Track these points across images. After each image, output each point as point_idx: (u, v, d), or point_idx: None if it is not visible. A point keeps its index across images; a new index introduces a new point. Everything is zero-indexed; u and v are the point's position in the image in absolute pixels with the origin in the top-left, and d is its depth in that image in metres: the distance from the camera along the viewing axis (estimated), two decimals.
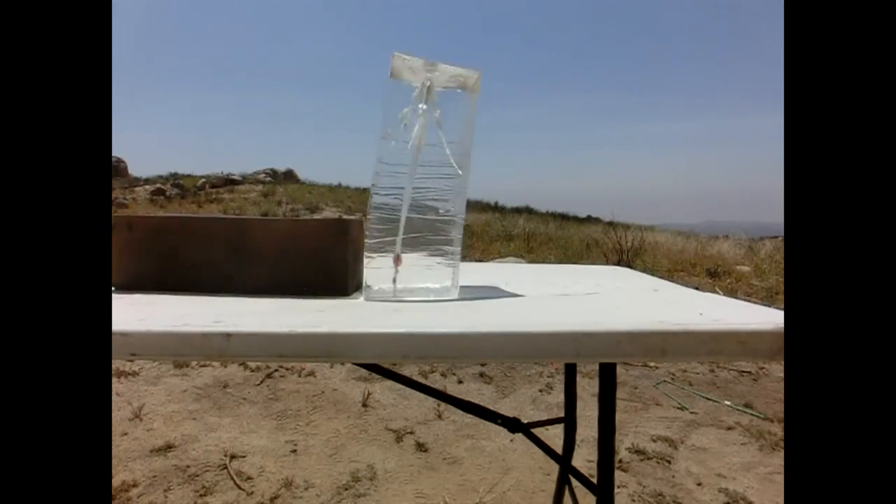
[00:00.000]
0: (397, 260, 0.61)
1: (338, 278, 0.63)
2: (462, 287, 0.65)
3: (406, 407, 2.28)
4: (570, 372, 1.09)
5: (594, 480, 0.73)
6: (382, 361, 0.62)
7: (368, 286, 0.61)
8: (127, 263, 0.63)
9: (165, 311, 0.52)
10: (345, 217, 0.66)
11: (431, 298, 0.62)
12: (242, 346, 0.44)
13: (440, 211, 0.63)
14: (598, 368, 0.71)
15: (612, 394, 0.71)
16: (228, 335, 0.43)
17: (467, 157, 0.64)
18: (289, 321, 0.47)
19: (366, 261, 0.61)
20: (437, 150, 0.62)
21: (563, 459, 1.04)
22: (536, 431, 0.91)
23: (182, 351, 0.44)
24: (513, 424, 0.87)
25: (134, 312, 0.51)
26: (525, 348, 0.45)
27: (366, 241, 0.61)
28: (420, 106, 0.61)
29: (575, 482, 0.99)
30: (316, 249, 0.63)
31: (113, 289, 0.64)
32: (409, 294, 0.62)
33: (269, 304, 0.57)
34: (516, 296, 0.66)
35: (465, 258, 0.65)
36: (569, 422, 1.07)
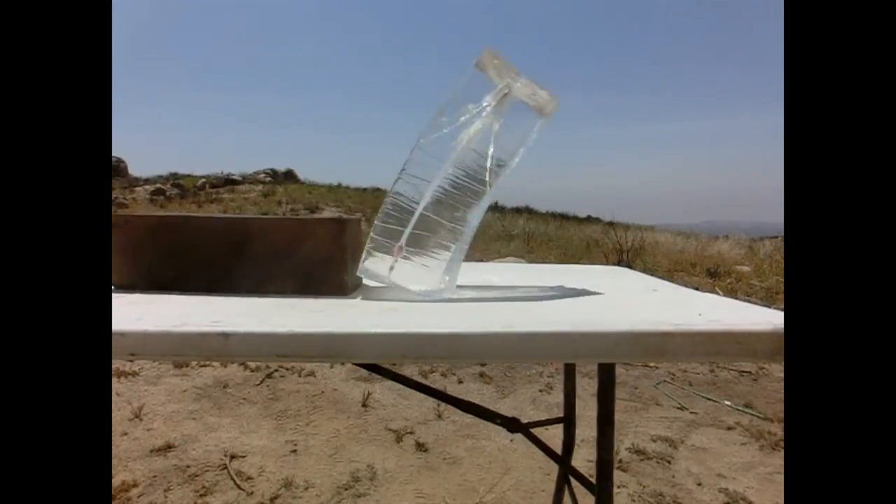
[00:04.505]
0: (398, 250, 0.60)
1: (337, 277, 0.63)
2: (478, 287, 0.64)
3: (406, 407, 2.27)
4: (570, 372, 1.09)
5: (594, 480, 0.73)
6: (381, 361, 0.62)
7: (365, 267, 0.61)
8: (126, 263, 0.63)
9: (164, 311, 0.52)
10: (344, 217, 0.66)
11: (418, 294, 0.62)
12: (241, 345, 0.44)
13: (456, 216, 0.61)
14: (597, 368, 0.71)
15: (610, 394, 0.71)
16: (226, 335, 0.43)
17: (500, 176, 0.62)
18: (287, 321, 0.47)
19: (369, 241, 0.61)
20: (478, 160, 0.61)
21: (563, 459, 1.04)
22: (536, 431, 0.91)
23: (180, 351, 0.44)
24: (512, 424, 0.87)
25: (132, 312, 0.51)
26: (523, 348, 0.45)
27: (375, 222, 0.61)
28: (486, 107, 0.59)
29: (575, 482, 0.99)
30: (315, 249, 0.63)
31: (112, 288, 0.64)
32: (401, 285, 0.62)
33: (268, 303, 0.57)
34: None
35: (464, 258, 0.65)
36: (568, 421, 1.07)
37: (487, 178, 0.61)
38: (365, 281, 0.73)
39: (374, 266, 0.61)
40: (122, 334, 0.43)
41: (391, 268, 0.61)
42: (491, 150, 0.60)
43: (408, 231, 0.60)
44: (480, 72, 0.60)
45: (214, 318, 0.48)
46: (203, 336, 0.44)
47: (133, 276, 0.64)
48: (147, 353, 0.44)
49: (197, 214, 0.67)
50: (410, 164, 0.60)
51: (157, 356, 0.45)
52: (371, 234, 0.61)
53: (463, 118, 0.59)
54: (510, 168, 0.62)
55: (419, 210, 0.60)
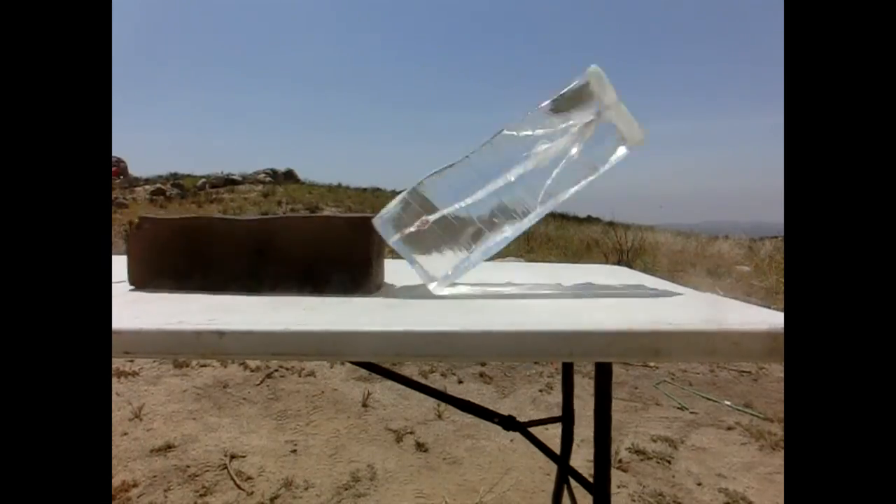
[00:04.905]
0: (424, 222, 0.59)
1: (363, 277, 0.62)
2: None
3: (406, 407, 2.28)
4: (568, 371, 1.09)
5: (592, 480, 0.73)
6: (378, 360, 0.62)
7: (383, 220, 0.60)
8: (152, 263, 0.64)
9: (161, 309, 0.52)
10: (369, 215, 0.66)
11: (417, 275, 0.61)
12: (235, 343, 0.43)
13: (494, 222, 0.60)
14: (594, 366, 0.71)
15: (607, 393, 0.71)
16: (221, 333, 0.43)
17: (554, 203, 0.61)
18: (283, 319, 0.47)
19: (402, 202, 0.59)
20: (540, 177, 0.59)
21: (561, 459, 1.04)
22: (536, 431, 0.91)
23: (175, 349, 0.44)
24: (509, 423, 0.87)
25: (131, 310, 0.51)
26: (518, 347, 0.45)
27: (420, 191, 0.59)
28: (572, 128, 0.58)
29: (575, 483, 0.99)
30: (341, 247, 0.62)
31: (133, 287, 0.64)
32: (405, 253, 0.60)
33: (269, 301, 0.57)
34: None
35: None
36: (566, 421, 1.07)
37: (538, 199, 0.59)
38: (386, 280, 0.73)
39: (392, 224, 0.60)
40: (118, 332, 0.43)
41: (408, 230, 0.59)
42: (556, 171, 0.59)
43: (443, 212, 0.59)
44: (582, 87, 0.58)
45: (211, 315, 0.48)
46: (198, 334, 0.43)
47: (160, 276, 0.64)
48: (142, 352, 0.44)
49: (223, 216, 0.67)
50: (480, 156, 0.58)
51: (152, 354, 0.45)
52: (406, 196, 0.59)
53: (542, 131, 0.58)
54: (563, 195, 0.61)
55: (464, 202, 0.59)
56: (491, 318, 0.50)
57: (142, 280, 0.65)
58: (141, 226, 0.64)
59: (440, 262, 0.61)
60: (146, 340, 0.44)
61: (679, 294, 0.68)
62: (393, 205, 0.60)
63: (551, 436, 1.03)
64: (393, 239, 0.60)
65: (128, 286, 0.65)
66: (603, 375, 0.71)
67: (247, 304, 0.55)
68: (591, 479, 0.75)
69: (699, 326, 0.46)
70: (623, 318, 0.50)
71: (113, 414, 2.11)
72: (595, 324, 0.46)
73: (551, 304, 0.59)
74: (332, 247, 0.62)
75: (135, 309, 0.52)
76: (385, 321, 0.48)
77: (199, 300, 0.57)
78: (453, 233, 0.60)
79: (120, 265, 0.65)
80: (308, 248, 0.62)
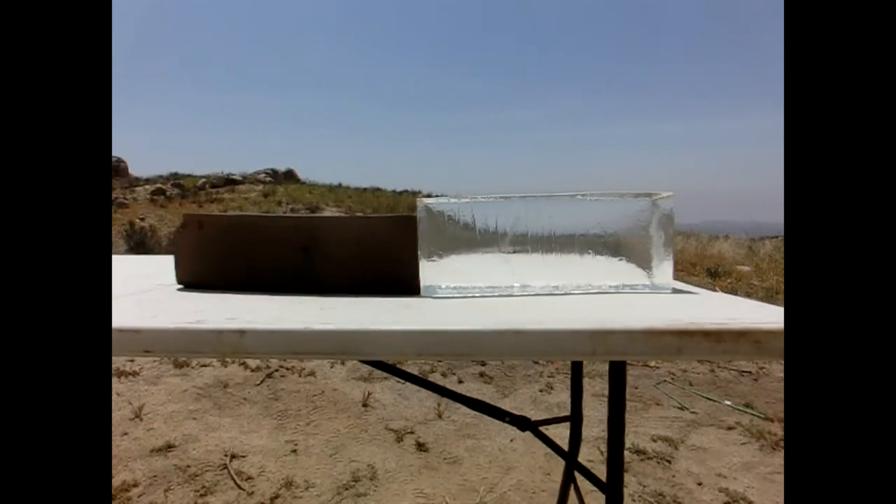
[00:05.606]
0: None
1: (409, 277, 0.61)
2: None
3: (406, 407, 2.28)
4: (577, 370, 1.09)
5: (598, 478, 0.73)
6: (398, 359, 0.63)
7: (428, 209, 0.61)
8: (197, 262, 0.64)
9: (184, 308, 0.52)
10: (413, 215, 0.65)
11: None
12: (256, 342, 0.43)
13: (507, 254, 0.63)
14: (609, 367, 0.71)
15: (621, 394, 0.71)
16: (242, 332, 0.43)
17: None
18: (304, 318, 0.47)
19: (428, 204, 0.61)
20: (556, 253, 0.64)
21: (570, 456, 1.04)
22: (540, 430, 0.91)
23: (195, 347, 0.44)
24: (522, 423, 0.87)
25: (150, 309, 0.51)
26: (541, 346, 0.44)
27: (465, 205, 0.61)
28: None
29: (580, 481, 0.99)
30: (386, 247, 0.62)
31: (182, 287, 0.64)
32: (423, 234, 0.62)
33: (287, 301, 0.57)
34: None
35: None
36: (575, 419, 1.07)
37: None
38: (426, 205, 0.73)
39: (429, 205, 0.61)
40: (137, 331, 0.43)
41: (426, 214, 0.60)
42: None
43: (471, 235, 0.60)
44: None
45: (230, 314, 0.48)
46: (219, 333, 0.43)
47: (205, 275, 0.64)
48: (163, 350, 0.44)
49: (268, 214, 0.66)
50: (553, 200, 0.61)
51: (171, 353, 0.44)
52: (434, 206, 0.59)
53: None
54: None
55: (505, 234, 0.60)
56: (511, 316, 0.50)
57: (189, 279, 0.64)
58: (186, 224, 0.64)
59: (443, 268, 0.61)
60: (167, 339, 0.44)
61: (694, 293, 0.68)
62: (430, 216, 0.60)
63: (552, 434, 1.03)
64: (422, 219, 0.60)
65: (176, 285, 0.65)
66: (617, 375, 0.70)
67: (268, 304, 0.55)
68: (599, 478, 0.75)
69: (722, 325, 0.46)
70: (642, 316, 0.50)
71: (113, 414, 2.12)
72: (618, 322, 0.46)
73: (564, 303, 0.59)
74: (377, 246, 0.62)
75: (157, 308, 0.52)
76: (407, 320, 0.48)
77: (245, 300, 0.57)
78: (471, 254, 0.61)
79: (168, 265, 0.66)
80: (353, 248, 0.62)
